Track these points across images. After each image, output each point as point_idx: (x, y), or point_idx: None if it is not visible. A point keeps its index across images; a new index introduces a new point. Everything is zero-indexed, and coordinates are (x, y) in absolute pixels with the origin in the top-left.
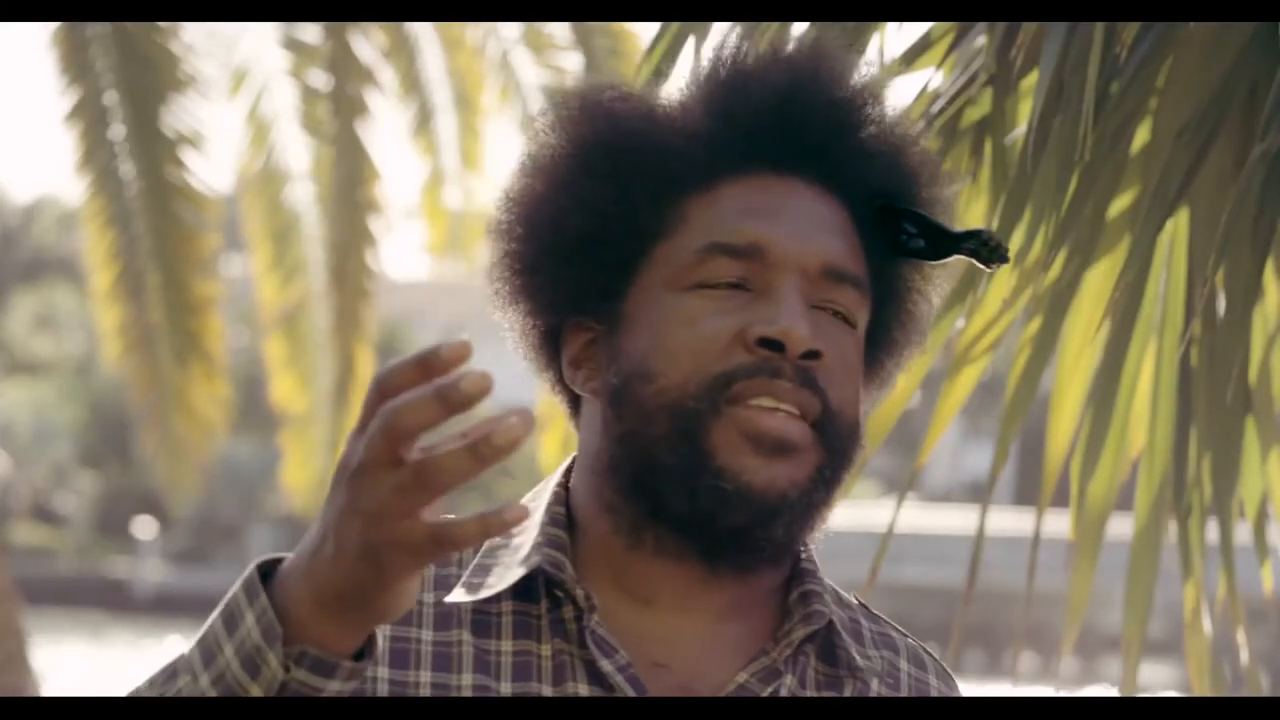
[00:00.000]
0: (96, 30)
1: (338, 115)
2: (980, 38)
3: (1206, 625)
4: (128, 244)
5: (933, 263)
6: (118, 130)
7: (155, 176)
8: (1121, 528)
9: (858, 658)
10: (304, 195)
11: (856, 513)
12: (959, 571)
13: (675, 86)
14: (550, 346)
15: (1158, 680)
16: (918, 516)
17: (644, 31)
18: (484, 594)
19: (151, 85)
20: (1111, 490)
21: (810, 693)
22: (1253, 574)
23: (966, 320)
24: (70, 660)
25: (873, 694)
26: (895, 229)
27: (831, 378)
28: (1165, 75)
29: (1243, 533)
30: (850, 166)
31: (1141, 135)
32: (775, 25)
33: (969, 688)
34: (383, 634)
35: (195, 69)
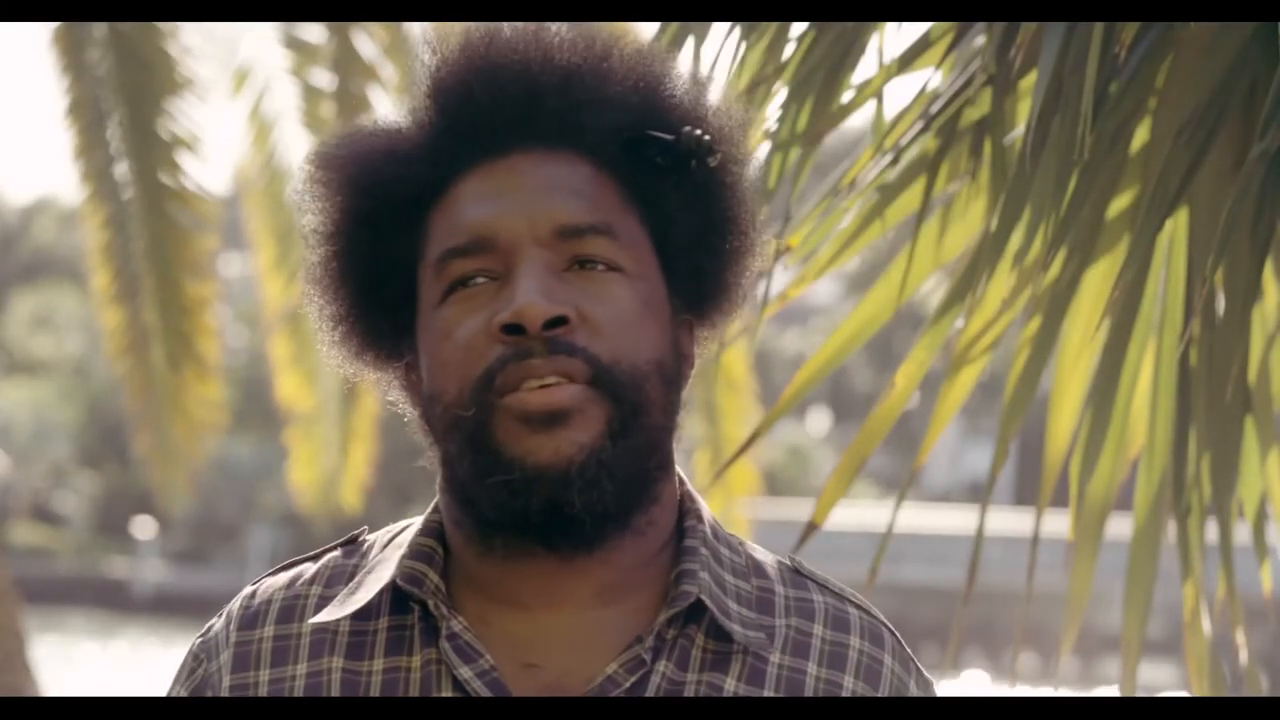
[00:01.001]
0: (95, 31)
1: (342, 113)
2: (979, 38)
3: (1206, 625)
4: (123, 245)
5: (689, 174)
6: (115, 132)
7: (151, 179)
8: (1121, 527)
9: (739, 630)
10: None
11: (856, 513)
12: (958, 571)
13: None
14: (402, 389)
15: (1157, 680)
16: (917, 516)
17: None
18: (349, 610)
19: (148, 87)
20: (1111, 490)
21: (691, 674)
22: (1252, 574)
23: (965, 320)
24: (70, 660)
25: (770, 666)
26: (648, 156)
27: (596, 332)
28: (1164, 75)
29: (1242, 533)
30: (571, 116)
31: (1141, 135)
32: (774, 25)
33: (968, 688)
34: (263, 680)
35: (192, 71)
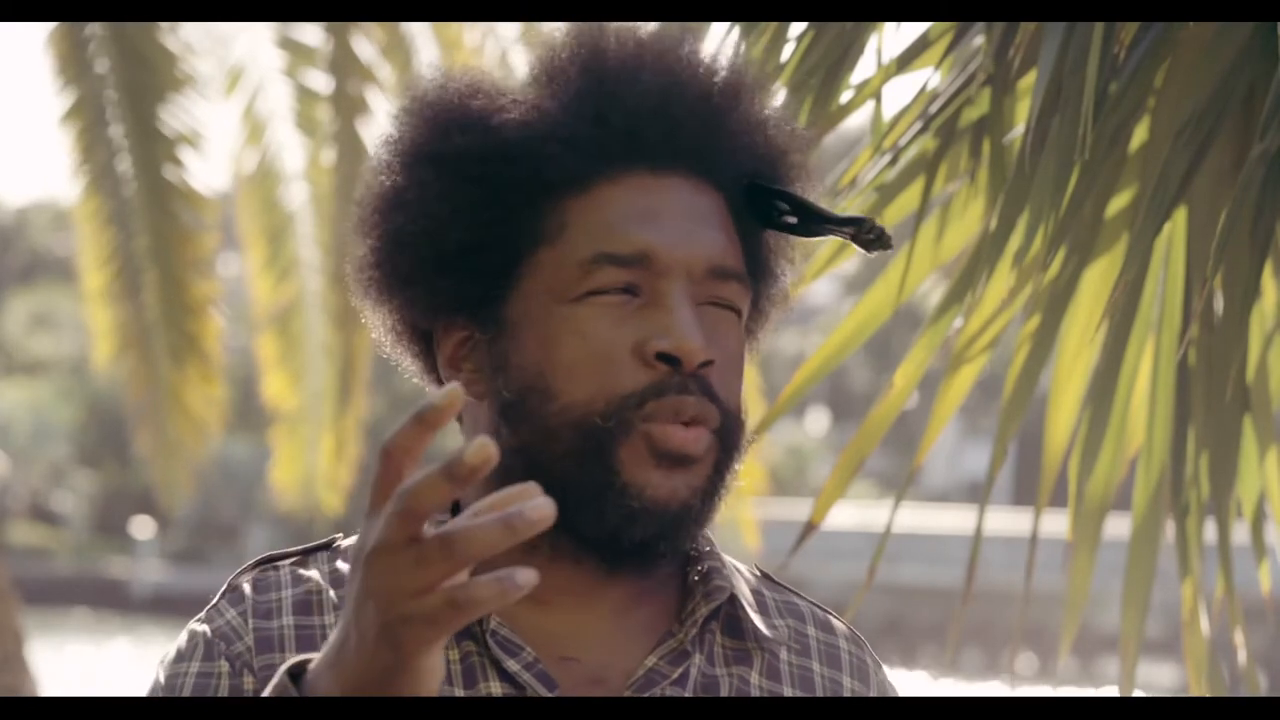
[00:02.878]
0: (94, 30)
1: (339, 114)
2: (978, 38)
3: (1204, 625)
4: (125, 243)
5: (803, 238)
6: (115, 129)
7: (153, 176)
8: (1119, 527)
9: (763, 628)
10: (299, 195)
11: (854, 513)
12: (957, 571)
13: (531, 80)
14: (420, 342)
15: (1156, 680)
16: (916, 516)
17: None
18: None
19: (149, 84)
20: (1109, 489)
21: (720, 669)
22: (1250, 573)
23: (964, 320)
24: (68, 660)
25: (783, 664)
26: (766, 206)
27: (724, 379)
28: (1164, 75)
29: (1240, 532)
30: (722, 155)
31: (1140, 135)
32: (773, 25)
33: (967, 687)
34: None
35: (193, 68)
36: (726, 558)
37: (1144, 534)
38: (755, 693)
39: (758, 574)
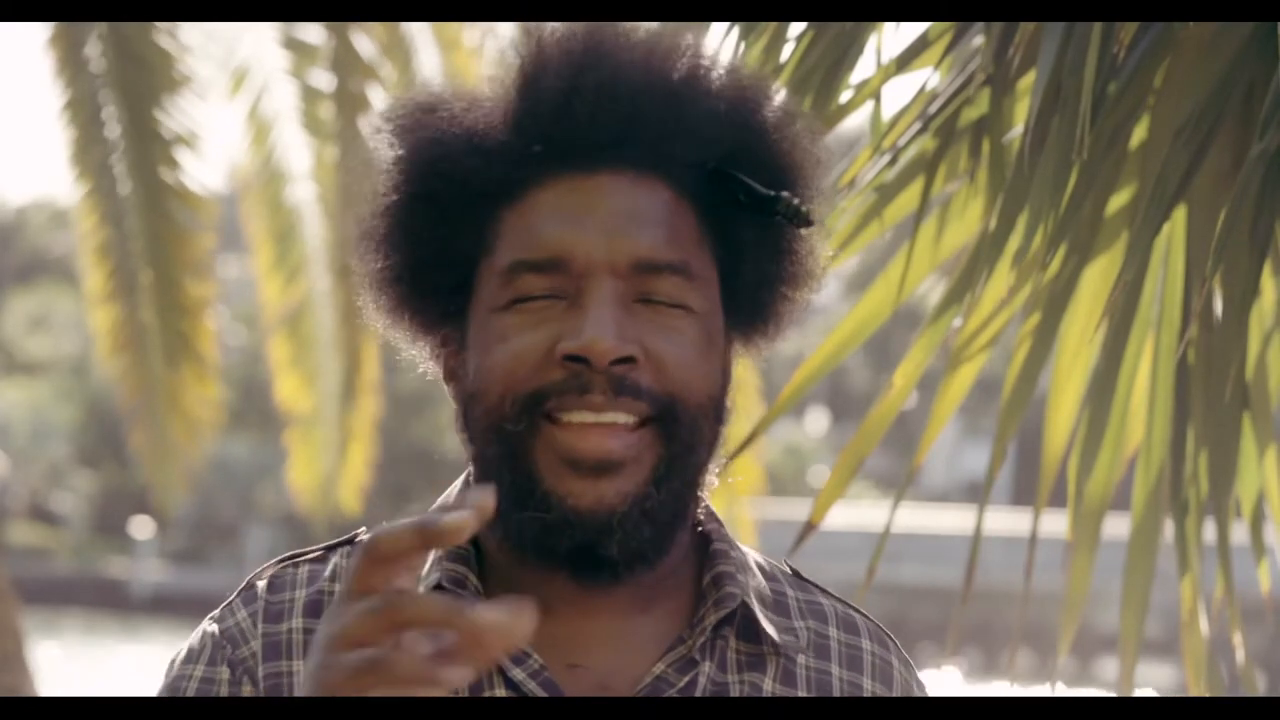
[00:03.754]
0: (91, 30)
1: (341, 112)
2: (978, 38)
3: (1203, 624)
4: (121, 243)
5: (765, 220)
6: (113, 130)
7: (149, 176)
8: (1119, 527)
9: (775, 634)
10: (305, 195)
11: (853, 513)
12: (956, 571)
13: (487, 89)
14: (437, 361)
15: (1155, 680)
16: (915, 516)
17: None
18: None
19: (146, 85)
20: (1109, 489)
21: (731, 675)
22: (1249, 573)
23: (963, 320)
24: (68, 660)
25: (799, 669)
26: (730, 189)
27: (661, 371)
28: (1163, 75)
29: (1239, 532)
30: (659, 147)
31: (1139, 135)
32: (773, 25)
33: (968, 687)
34: (297, 670)
35: (190, 69)
36: (751, 555)
37: (1143, 534)
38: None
39: (787, 572)
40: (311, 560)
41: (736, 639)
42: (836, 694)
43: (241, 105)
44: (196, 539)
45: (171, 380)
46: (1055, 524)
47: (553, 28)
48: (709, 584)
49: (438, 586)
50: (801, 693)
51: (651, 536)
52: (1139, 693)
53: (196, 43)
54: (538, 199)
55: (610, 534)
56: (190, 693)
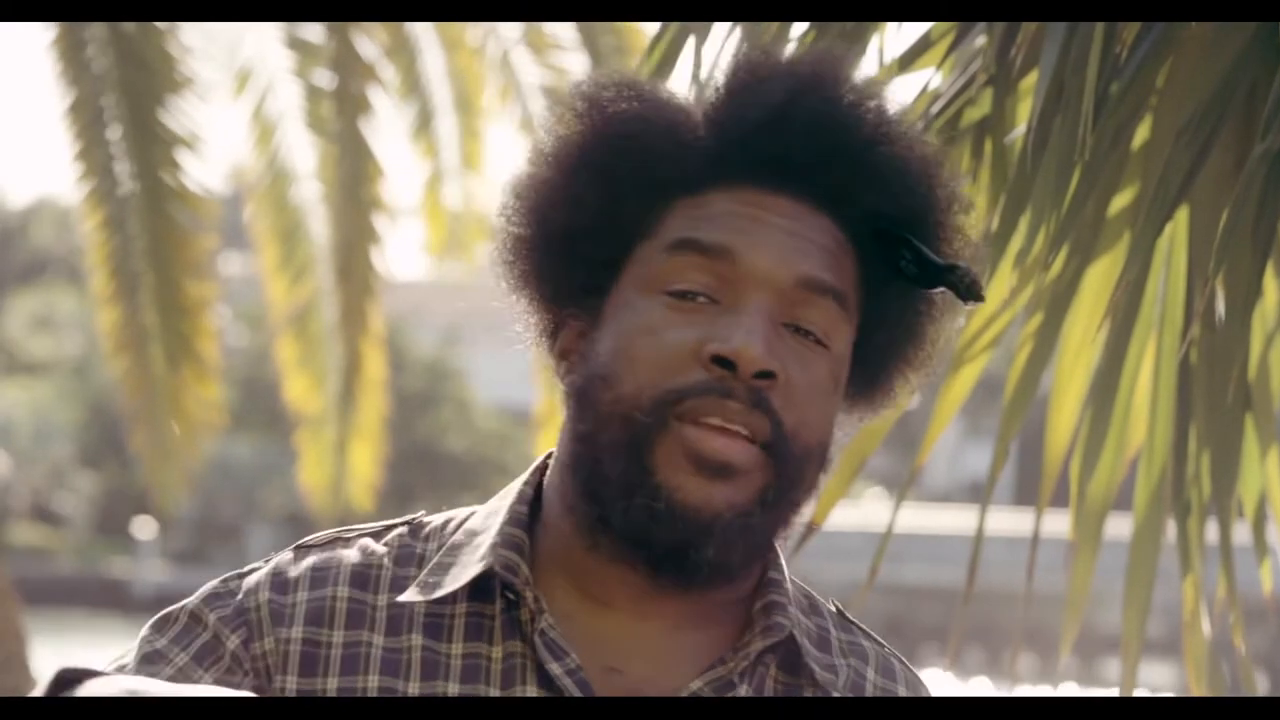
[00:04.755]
0: (95, 31)
1: (341, 113)
2: (980, 38)
3: (1205, 625)
4: (122, 245)
5: (926, 289)
6: (115, 131)
7: (151, 178)
8: (1121, 527)
9: (818, 670)
10: (310, 195)
11: (856, 513)
12: (958, 571)
13: (690, 86)
14: (551, 338)
15: (1157, 680)
16: (917, 516)
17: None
18: (437, 594)
19: (148, 87)
20: (1111, 489)
21: None
22: (1251, 573)
23: (965, 319)
24: (70, 661)
25: None
26: (894, 253)
27: (789, 399)
28: (1165, 75)
29: (1241, 532)
30: (847, 188)
31: (1142, 135)
32: (775, 25)
33: (971, 687)
34: (336, 641)
35: (192, 70)
36: (803, 588)
37: (1145, 534)
38: None
39: (833, 610)
40: (370, 534)
41: (778, 669)
42: None
43: (245, 106)
44: (199, 539)
45: (172, 381)
46: (1057, 524)
47: (756, 50)
48: (759, 611)
49: (488, 572)
50: None
51: (744, 552)
52: (1141, 693)
53: (199, 44)
54: (715, 199)
55: (709, 537)
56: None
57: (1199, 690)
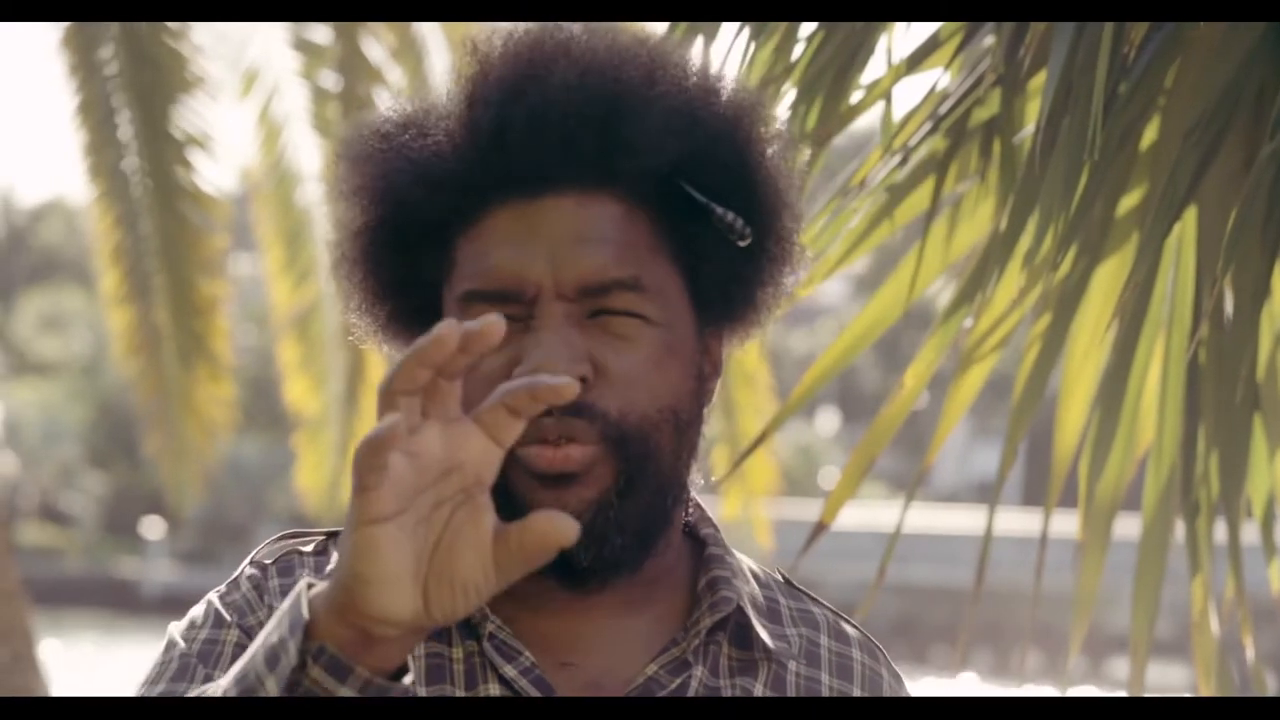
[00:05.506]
0: (105, 31)
1: (348, 115)
2: (988, 38)
3: (1214, 625)
4: (134, 245)
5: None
6: (125, 131)
7: (163, 177)
8: (1129, 527)
9: (770, 640)
10: (316, 196)
11: (864, 513)
12: (966, 571)
13: (446, 106)
14: None
15: (1166, 680)
16: (925, 516)
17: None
18: None
19: (160, 86)
20: (1119, 489)
21: (723, 680)
22: (1260, 573)
23: (974, 320)
24: (78, 661)
25: (790, 675)
26: (683, 199)
27: (609, 388)
28: (1174, 75)
29: (1250, 532)
30: (606, 161)
31: (1150, 135)
32: (783, 25)
33: (979, 687)
34: None
35: (203, 70)
36: (746, 562)
37: (1154, 534)
38: None
39: (779, 579)
40: (314, 552)
41: (729, 644)
42: None
43: (252, 106)
44: (207, 539)
45: (185, 381)
46: (1066, 524)
47: (499, 39)
48: (704, 588)
49: None
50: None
51: (624, 544)
52: (1149, 693)
53: (207, 44)
54: (489, 226)
55: (592, 538)
56: (194, 654)
57: (1208, 690)
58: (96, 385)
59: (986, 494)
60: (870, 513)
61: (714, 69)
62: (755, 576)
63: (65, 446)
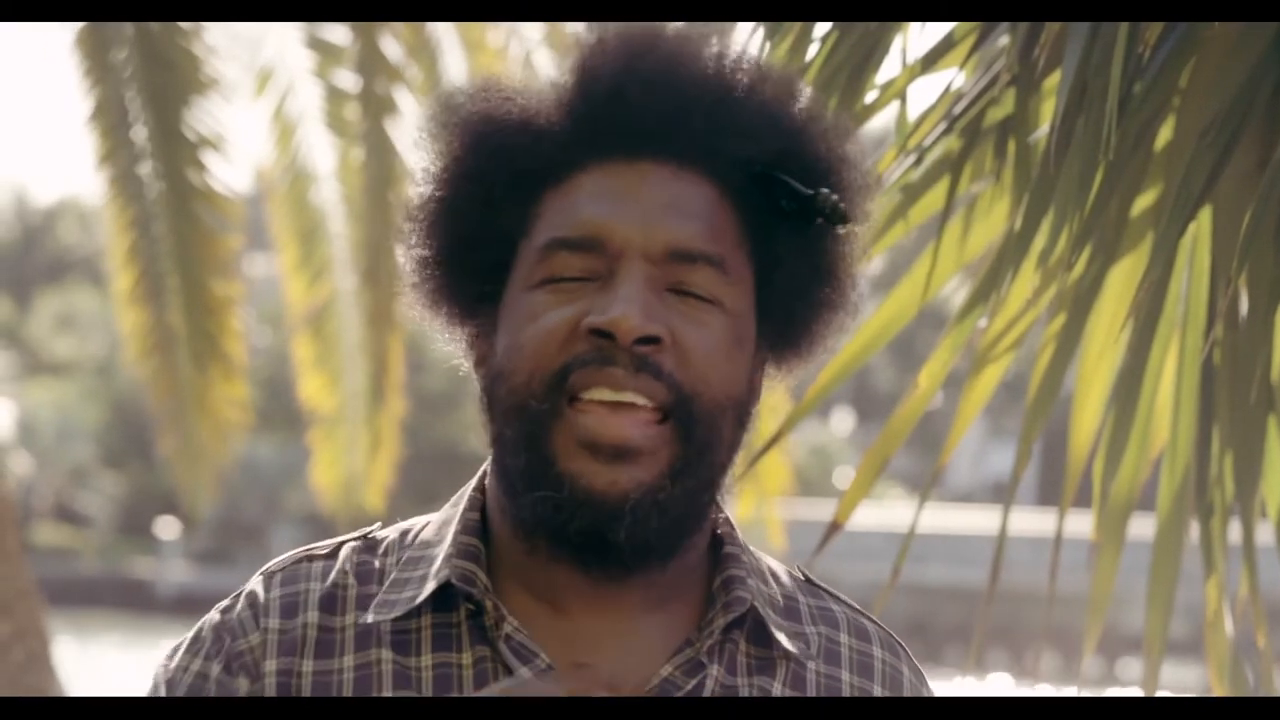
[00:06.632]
0: (119, 31)
1: (366, 114)
2: (1003, 38)
3: (1228, 625)
4: (148, 245)
5: (810, 225)
6: (139, 132)
7: (176, 178)
8: (1143, 527)
9: (787, 640)
10: (330, 195)
11: (879, 513)
12: (981, 572)
13: (547, 80)
14: (470, 351)
15: (1181, 681)
16: (940, 517)
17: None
18: (395, 614)
19: (173, 87)
20: (1134, 490)
21: (741, 679)
22: (1274, 573)
23: (989, 320)
24: (93, 661)
25: (809, 672)
26: (771, 194)
27: (684, 359)
28: (1188, 75)
29: (1264, 532)
30: (706, 141)
31: (1165, 135)
32: (798, 25)
33: (990, 687)
34: (307, 670)
35: (217, 71)
36: (766, 560)
37: (1168, 534)
38: None
39: (800, 578)
40: (325, 555)
41: (747, 643)
42: None
43: (266, 106)
44: (222, 539)
45: (199, 381)
46: (1080, 524)
47: (607, 32)
48: (719, 587)
49: (446, 585)
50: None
51: (661, 528)
52: (1163, 693)
53: (222, 44)
54: (580, 182)
55: (620, 519)
56: (181, 689)
57: (1221, 690)
58: (111, 385)
59: (1001, 494)
60: (885, 513)
61: (804, 81)
62: (775, 575)
63: (80, 447)
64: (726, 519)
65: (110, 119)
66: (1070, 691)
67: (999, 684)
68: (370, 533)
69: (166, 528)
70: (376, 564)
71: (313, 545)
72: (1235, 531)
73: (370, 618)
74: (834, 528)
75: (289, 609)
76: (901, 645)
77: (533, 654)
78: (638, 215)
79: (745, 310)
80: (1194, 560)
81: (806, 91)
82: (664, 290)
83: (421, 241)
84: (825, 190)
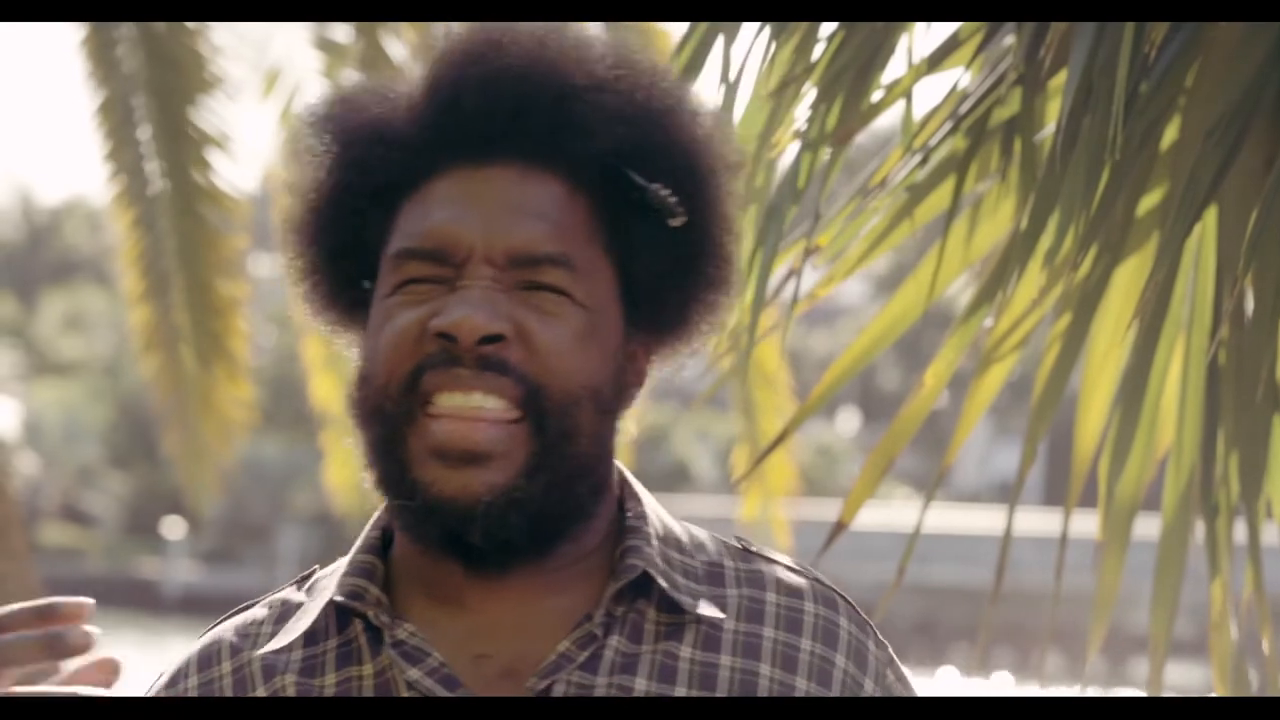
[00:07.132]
0: (124, 31)
1: None
2: (1009, 37)
3: (1233, 626)
4: (153, 245)
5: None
6: (145, 131)
7: (182, 178)
8: (1149, 527)
9: (687, 599)
10: None
11: (884, 513)
12: (987, 571)
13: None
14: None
15: (1186, 681)
16: (945, 517)
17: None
18: (292, 638)
19: (179, 86)
20: (1139, 490)
21: (646, 645)
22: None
23: (994, 320)
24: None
25: (724, 632)
26: (624, 188)
27: (533, 353)
28: (1194, 75)
29: (1270, 532)
30: (554, 138)
31: (1171, 135)
32: (804, 25)
33: (996, 687)
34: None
35: (223, 70)
36: (692, 530)
37: (1174, 534)
38: (684, 665)
39: (736, 546)
40: (246, 609)
41: (657, 610)
42: (765, 657)
43: (274, 106)
44: (228, 539)
45: (204, 381)
46: (1086, 524)
47: (467, 26)
48: (617, 559)
49: (334, 604)
50: (725, 655)
51: (522, 526)
52: (1168, 693)
53: (229, 45)
54: (433, 189)
55: (473, 521)
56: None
57: (1225, 691)
58: (117, 385)
59: (1007, 494)
60: (890, 513)
61: (668, 70)
62: (700, 543)
63: (86, 447)
64: (634, 493)
65: (116, 118)
66: (1075, 691)
67: (1004, 683)
68: (312, 571)
69: (173, 528)
70: (295, 599)
71: (251, 602)
72: (1240, 532)
73: (269, 647)
74: (839, 528)
75: (205, 664)
76: (842, 597)
77: (424, 654)
78: (480, 221)
79: (602, 302)
80: (1199, 560)
81: (667, 81)
82: (512, 288)
83: (299, 252)
84: (656, 185)
